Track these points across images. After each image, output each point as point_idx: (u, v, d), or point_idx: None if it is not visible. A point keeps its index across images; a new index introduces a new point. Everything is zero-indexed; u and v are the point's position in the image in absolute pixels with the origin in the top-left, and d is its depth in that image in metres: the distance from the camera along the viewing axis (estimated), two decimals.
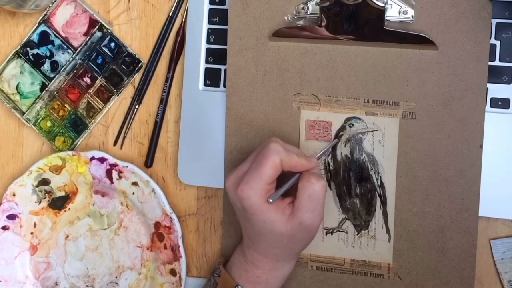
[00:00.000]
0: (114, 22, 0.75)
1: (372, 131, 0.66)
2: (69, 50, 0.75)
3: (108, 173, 0.73)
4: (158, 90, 0.74)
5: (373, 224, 0.67)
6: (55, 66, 0.75)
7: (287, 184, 0.61)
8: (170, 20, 0.73)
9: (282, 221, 0.59)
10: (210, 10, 0.71)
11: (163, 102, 0.73)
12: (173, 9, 0.73)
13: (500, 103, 0.65)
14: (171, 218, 0.72)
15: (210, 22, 0.71)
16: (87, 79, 0.75)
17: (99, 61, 0.75)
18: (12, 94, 0.76)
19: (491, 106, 0.65)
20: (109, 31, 0.74)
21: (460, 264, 0.65)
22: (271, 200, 0.59)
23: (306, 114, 0.67)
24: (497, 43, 0.65)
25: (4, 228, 0.75)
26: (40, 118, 0.76)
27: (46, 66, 0.76)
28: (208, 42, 0.71)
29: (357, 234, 0.67)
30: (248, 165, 0.61)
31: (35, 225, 0.76)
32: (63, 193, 0.76)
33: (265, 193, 0.59)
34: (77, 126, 0.76)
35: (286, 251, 0.62)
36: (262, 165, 0.59)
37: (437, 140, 0.64)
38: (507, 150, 0.65)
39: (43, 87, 0.76)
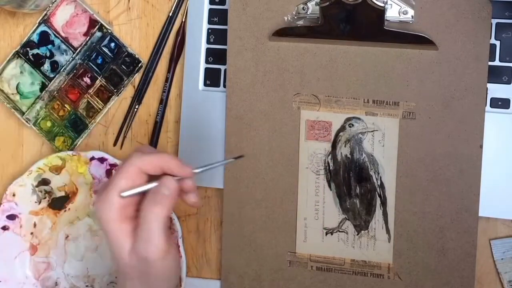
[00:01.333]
0: (114, 22, 0.75)
1: (372, 131, 0.66)
2: (69, 50, 0.75)
3: (108, 173, 0.73)
4: (158, 90, 0.74)
5: (373, 224, 0.67)
6: (55, 66, 0.75)
7: (146, 186, 0.54)
8: (170, 20, 0.73)
9: (125, 248, 0.52)
10: (210, 10, 0.71)
11: (163, 102, 0.73)
12: (173, 9, 0.73)
13: (500, 103, 0.65)
14: (171, 218, 0.72)
15: (210, 22, 0.71)
16: (87, 79, 0.75)
17: (99, 61, 0.75)
18: (12, 94, 0.76)
19: (491, 106, 0.65)
20: (109, 31, 0.74)
21: (460, 264, 0.65)
22: (122, 194, 0.52)
23: (306, 114, 0.67)
24: (497, 43, 0.65)
25: (4, 228, 0.75)
26: (40, 118, 0.76)
27: (46, 66, 0.76)
28: (208, 42, 0.71)
29: (357, 234, 0.67)
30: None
31: (35, 225, 0.76)
32: (63, 193, 0.76)
33: (119, 207, 0.52)
34: (77, 126, 0.76)
35: (142, 285, 0.54)
36: (115, 176, 0.53)
37: (437, 140, 0.64)
38: (507, 150, 0.65)
39: (43, 87, 0.76)
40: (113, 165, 0.73)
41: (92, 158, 0.73)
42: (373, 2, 0.63)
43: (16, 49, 0.76)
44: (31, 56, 0.76)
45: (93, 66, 0.75)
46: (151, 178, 0.55)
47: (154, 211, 0.52)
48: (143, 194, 0.54)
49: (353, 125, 0.66)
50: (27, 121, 0.76)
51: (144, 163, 0.54)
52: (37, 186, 0.75)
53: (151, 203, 0.52)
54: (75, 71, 0.75)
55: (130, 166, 0.53)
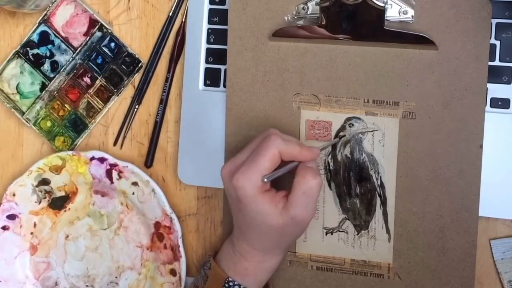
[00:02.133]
0: (114, 22, 0.75)
1: (372, 131, 0.66)
2: (69, 50, 0.75)
3: (108, 173, 0.73)
4: (158, 90, 0.74)
5: (373, 224, 0.67)
6: (55, 66, 0.75)
7: (284, 168, 0.60)
8: (170, 20, 0.73)
9: (274, 214, 0.59)
10: (210, 10, 0.71)
11: (163, 102, 0.73)
12: (173, 9, 0.73)
13: (500, 103, 0.65)
14: (171, 218, 0.72)
15: (210, 22, 0.71)
16: (87, 79, 0.75)
17: (99, 61, 0.75)
18: (12, 94, 0.76)
19: (491, 106, 0.65)
20: (109, 31, 0.74)
21: (460, 264, 0.65)
22: (265, 179, 0.58)
23: (306, 114, 0.67)
24: (497, 43, 0.65)
25: (4, 228, 0.75)
26: (40, 118, 0.76)
27: (46, 66, 0.76)
28: (208, 42, 0.71)
29: (357, 234, 0.67)
30: (246, 155, 0.61)
31: (35, 225, 0.76)
32: (63, 193, 0.76)
33: (261, 185, 0.59)
34: (77, 126, 0.76)
35: (275, 244, 0.62)
36: (260, 157, 0.59)
37: (437, 140, 0.64)
38: (507, 150, 0.65)
39: (43, 87, 0.76)
40: (113, 165, 0.73)
41: (92, 158, 0.73)
42: (373, 2, 0.63)
43: (16, 49, 0.76)
44: (31, 56, 0.76)
45: (93, 66, 0.75)
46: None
47: (316, 181, 0.59)
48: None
49: (353, 125, 0.66)
50: (27, 121, 0.76)
51: (287, 150, 0.60)
52: (37, 186, 0.75)
53: (310, 175, 0.59)
54: (75, 71, 0.75)
55: (275, 149, 0.59)
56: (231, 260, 0.63)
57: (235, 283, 0.62)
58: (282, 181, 0.61)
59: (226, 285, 0.62)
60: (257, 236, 0.61)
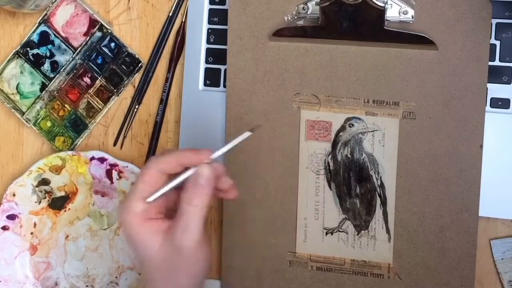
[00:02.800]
0: (114, 22, 0.75)
1: (372, 131, 0.66)
2: (69, 50, 0.75)
3: (108, 173, 0.73)
4: (158, 90, 0.74)
5: (373, 224, 0.67)
6: (55, 66, 0.75)
7: (169, 184, 0.54)
8: (170, 20, 0.73)
9: (154, 244, 0.53)
10: (210, 10, 0.71)
11: (163, 102, 0.73)
12: (173, 9, 0.73)
13: (500, 103, 0.65)
14: None
15: (210, 22, 0.71)
16: (87, 79, 0.75)
17: (99, 61, 0.75)
18: (12, 94, 0.76)
19: (491, 106, 0.65)
20: (109, 31, 0.74)
21: (460, 264, 0.65)
22: (148, 200, 0.53)
23: (306, 114, 0.67)
24: (497, 43, 0.65)
25: (4, 228, 0.75)
26: (40, 118, 0.76)
27: (46, 66, 0.76)
28: (208, 42, 0.71)
29: (357, 234, 0.67)
30: None
31: (35, 225, 0.76)
32: (63, 193, 0.76)
33: (141, 212, 0.53)
34: (77, 126, 0.76)
35: (169, 284, 0.54)
36: (136, 183, 0.54)
37: (437, 140, 0.64)
38: (507, 150, 0.65)
39: (43, 87, 0.76)
40: (113, 165, 0.73)
41: (92, 158, 0.73)
42: (373, 2, 0.63)
43: (16, 49, 0.76)
44: (31, 56, 0.76)
45: (93, 66, 0.75)
46: (174, 176, 0.55)
47: (193, 203, 0.52)
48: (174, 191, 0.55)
49: (353, 125, 0.66)
50: (27, 121, 0.76)
51: (160, 164, 0.54)
52: (37, 186, 0.75)
53: (190, 195, 0.52)
54: (75, 71, 0.75)
55: (147, 170, 0.54)
56: None
57: None
58: None
59: None
60: (150, 278, 0.54)
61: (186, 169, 0.54)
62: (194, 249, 0.53)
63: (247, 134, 0.56)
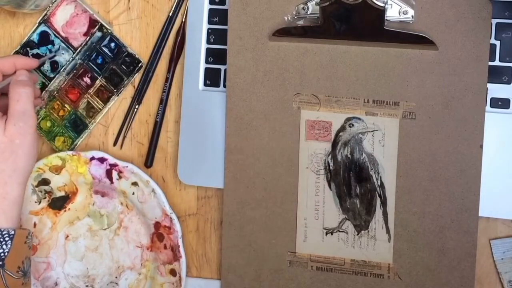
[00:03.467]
0: (114, 22, 0.75)
1: (372, 131, 0.66)
2: (69, 50, 0.75)
3: (108, 173, 0.73)
4: (158, 90, 0.74)
5: (373, 224, 0.67)
6: (55, 66, 0.75)
7: (5, 81, 0.66)
8: (170, 20, 0.73)
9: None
10: (210, 10, 0.71)
11: (163, 102, 0.73)
12: (173, 9, 0.73)
13: (500, 103, 0.65)
14: (171, 218, 0.72)
15: (210, 22, 0.71)
16: (87, 79, 0.75)
17: (99, 61, 0.75)
18: None
19: (491, 106, 0.65)
20: (109, 31, 0.74)
21: (460, 264, 0.65)
22: None
23: (306, 114, 0.67)
24: (497, 43, 0.65)
25: None
26: (40, 118, 0.76)
27: (46, 66, 0.76)
28: (208, 42, 0.71)
29: (357, 234, 0.67)
30: None
31: (35, 225, 0.76)
32: (63, 193, 0.76)
33: None
34: (77, 126, 0.76)
35: (8, 166, 0.62)
36: None
37: (437, 140, 0.64)
38: (507, 150, 0.65)
39: (43, 87, 0.76)
40: (113, 165, 0.73)
41: (92, 158, 0.73)
42: (373, 2, 0.63)
43: (16, 49, 0.76)
44: (31, 56, 0.76)
45: (93, 66, 0.75)
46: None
47: (25, 90, 0.63)
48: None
49: (353, 125, 0.66)
50: None
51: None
52: (37, 186, 0.75)
53: (20, 85, 0.63)
54: (75, 71, 0.75)
55: None
56: None
57: None
58: None
59: None
60: None
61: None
62: (34, 133, 0.64)
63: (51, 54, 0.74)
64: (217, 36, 0.70)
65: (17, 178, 0.63)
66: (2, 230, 0.60)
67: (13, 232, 0.61)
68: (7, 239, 0.60)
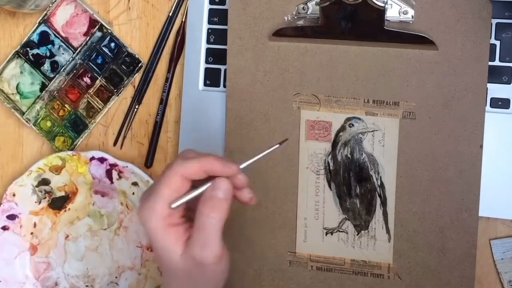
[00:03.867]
0: (114, 22, 0.75)
1: (372, 131, 0.66)
2: (69, 50, 0.75)
3: (108, 173, 0.73)
4: (158, 90, 0.74)
5: (373, 224, 0.67)
6: (55, 66, 0.75)
7: (193, 192, 0.53)
8: (170, 20, 0.73)
9: (176, 253, 0.52)
10: (210, 10, 0.71)
11: (163, 102, 0.73)
12: (173, 9, 0.73)
13: (500, 103, 0.65)
14: None
15: (210, 22, 0.71)
16: (87, 79, 0.75)
17: (99, 61, 0.75)
18: (12, 94, 0.76)
19: (491, 106, 0.65)
20: (109, 31, 0.74)
21: (460, 264, 0.65)
22: (172, 206, 0.52)
23: (306, 114, 0.67)
24: (497, 43, 0.65)
25: (4, 228, 0.75)
26: (40, 118, 0.76)
27: (46, 66, 0.76)
28: (208, 42, 0.71)
29: (357, 234, 0.67)
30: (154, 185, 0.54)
31: (35, 225, 0.76)
32: (63, 193, 0.76)
33: (166, 217, 0.52)
34: (77, 126, 0.76)
35: None
36: (159, 184, 0.52)
37: (437, 140, 0.64)
38: (507, 150, 0.65)
39: (43, 87, 0.76)
40: (113, 165, 0.73)
41: (92, 158, 0.73)
42: (373, 2, 0.63)
43: (16, 49, 0.76)
44: (31, 56, 0.76)
45: (93, 66, 0.75)
46: (197, 182, 0.54)
47: (211, 216, 0.51)
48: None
49: (353, 125, 0.66)
50: (27, 121, 0.76)
51: (186, 171, 0.52)
52: (37, 186, 0.75)
53: (208, 209, 0.52)
54: (75, 71, 0.75)
55: (173, 175, 0.52)
56: None
57: None
58: None
59: None
60: (168, 281, 0.54)
61: (211, 177, 0.54)
62: (214, 264, 0.52)
63: (275, 146, 0.56)
64: (217, 36, 0.70)
65: None
66: None
67: None
68: None
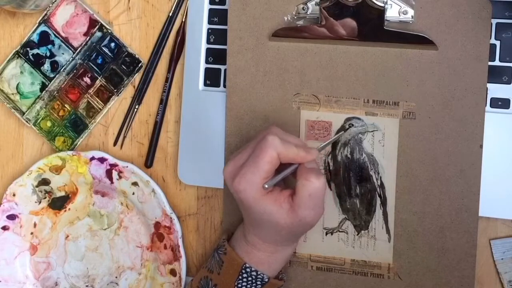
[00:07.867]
0: (114, 22, 0.75)
1: (372, 131, 0.66)
2: (69, 50, 0.75)
3: (108, 173, 0.73)
4: (158, 90, 0.74)
5: (373, 224, 0.67)
6: (55, 66, 0.75)
7: (285, 172, 0.60)
8: (170, 20, 0.73)
9: (280, 214, 0.59)
10: (210, 10, 0.71)
11: (163, 102, 0.73)
12: (173, 9, 0.73)
13: (500, 103, 0.65)
14: (171, 218, 0.72)
15: (210, 22, 0.71)
16: (87, 79, 0.75)
17: (99, 61, 0.75)
18: (12, 94, 0.76)
19: (491, 106, 0.65)
20: (109, 31, 0.74)
21: (460, 264, 0.65)
22: (266, 186, 0.58)
23: (306, 114, 0.67)
24: (497, 43, 0.65)
25: (4, 228, 0.75)
26: (40, 118, 0.76)
27: (46, 66, 0.76)
28: (208, 42, 0.71)
29: (357, 234, 0.67)
30: (246, 155, 0.60)
31: (35, 225, 0.76)
32: (63, 193, 0.76)
33: (262, 187, 0.59)
34: (77, 126, 0.76)
35: (285, 238, 0.62)
36: (259, 159, 0.58)
37: (437, 140, 0.64)
38: (507, 150, 0.65)
39: (43, 87, 0.76)
40: (113, 165, 0.73)
41: (92, 158, 0.73)
42: (373, 2, 0.63)
43: (16, 49, 0.76)
44: (31, 56, 0.76)
45: (93, 66, 0.75)
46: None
47: (321, 181, 0.59)
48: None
49: (353, 125, 0.66)
50: (27, 121, 0.76)
51: (284, 152, 0.59)
52: (37, 186, 0.75)
53: (313, 177, 0.58)
54: (75, 71, 0.75)
55: (273, 151, 0.58)
56: (244, 249, 0.63)
57: (252, 269, 0.62)
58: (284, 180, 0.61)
59: (243, 271, 0.62)
60: (266, 232, 0.61)
61: None
62: (318, 220, 0.61)
63: (341, 133, 0.66)
64: (217, 36, 0.70)
65: (292, 243, 0.64)
66: (261, 274, 0.62)
67: (266, 279, 0.62)
68: (258, 282, 0.62)
